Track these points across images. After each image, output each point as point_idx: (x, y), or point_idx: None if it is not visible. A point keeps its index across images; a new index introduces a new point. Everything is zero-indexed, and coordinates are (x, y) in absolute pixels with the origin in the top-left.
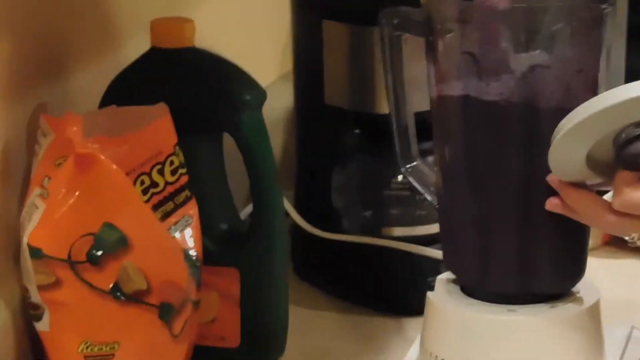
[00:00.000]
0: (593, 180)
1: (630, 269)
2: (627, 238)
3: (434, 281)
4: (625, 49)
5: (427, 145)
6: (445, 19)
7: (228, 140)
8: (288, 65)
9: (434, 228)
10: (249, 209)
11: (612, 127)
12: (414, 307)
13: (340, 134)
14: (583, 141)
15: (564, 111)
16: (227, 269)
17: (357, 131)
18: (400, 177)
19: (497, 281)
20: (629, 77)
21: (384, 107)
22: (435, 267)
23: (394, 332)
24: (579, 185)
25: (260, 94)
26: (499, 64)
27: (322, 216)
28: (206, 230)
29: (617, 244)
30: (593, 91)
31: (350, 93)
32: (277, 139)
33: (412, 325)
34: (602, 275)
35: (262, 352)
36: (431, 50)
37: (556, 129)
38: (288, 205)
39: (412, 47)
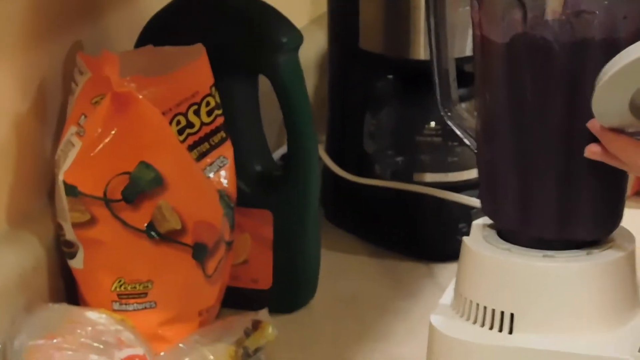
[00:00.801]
0: (635, 127)
1: None
2: None
3: (465, 227)
4: None
5: (463, 91)
6: None
7: (262, 82)
8: (320, 8)
9: (465, 174)
10: (281, 151)
11: None
12: (445, 253)
13: (374, 79)
14: (627, 86)
15: (608, 57)
16: (260, 211)
17: (390, 77)
18: (432, 124)
19: (536, 226)
20: None
21: (418, 52)
22: (466, 214)
23: (424, 277)
24: (620, 132)
25: (297, 37)
26: (545, 8)
27: (353, 161)
28: (240, 171)
29: None
30: (637, 37)
31: (385, 38)
32: (309, 83)
33: (443, 271)
34: (632, 225)
35: (293, 294)
36: None
37: (600, 73)
38: (320, 150)
39: None
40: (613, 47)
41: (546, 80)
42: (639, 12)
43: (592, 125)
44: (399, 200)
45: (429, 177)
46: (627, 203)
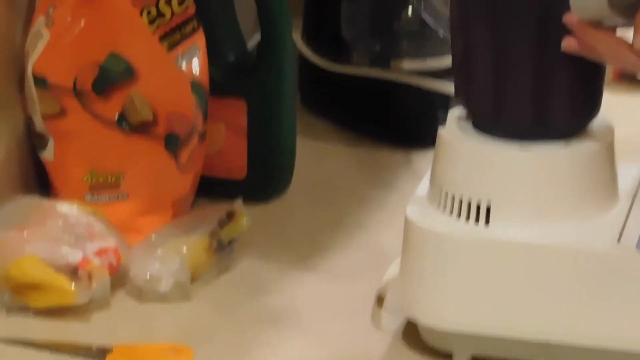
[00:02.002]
0: (612, 20)
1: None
2: None
3: (443, 114)
4: None
5: None
6: None
7: None
8: None
9: (444, 61)
10: (257, 38)
11: None
12: (423, 140)
13: None
14: None
15: None
16: (234, 99)
17: None
18: (410, 10)
19: (511, 115)
20: None
21: None
22: (444, 101)
23: (402, 164)
24: (597, 25)
25: None
26: None
27: (330, 48)
28: (213, 60)
29: (628, 80)
30: None
31: None
32: None
33: (421, 158)
34: (614, 111)
35: (268, 183)
36: None
37: None
38: (295, 36)
39: None
40: None
41: None
42: None
43: (569, 18)
44: (377, 87)
45: (408, 63)
46: (607, 89)
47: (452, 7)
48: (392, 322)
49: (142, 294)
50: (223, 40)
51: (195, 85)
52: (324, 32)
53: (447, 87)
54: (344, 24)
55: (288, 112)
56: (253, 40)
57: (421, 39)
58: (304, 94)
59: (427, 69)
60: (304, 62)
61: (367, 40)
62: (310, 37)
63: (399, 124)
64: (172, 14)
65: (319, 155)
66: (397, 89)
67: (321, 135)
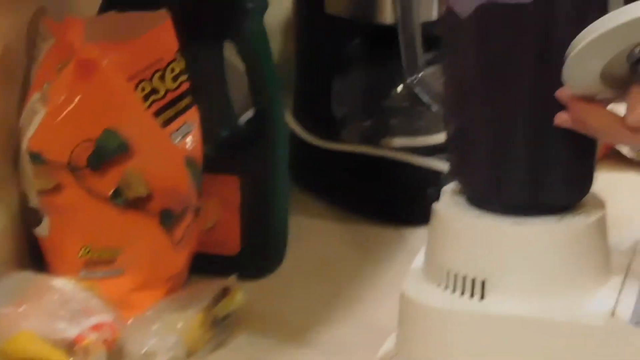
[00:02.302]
0: (605, 95)
1: (629, 183)
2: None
3: (435, 191)
4: None
5: (430, 55)
6: None
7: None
8: None
9: (433, 139)
10: (248, 115)
11: (628, 42)
12: (414, 217)
13: (341, 44)
14: (599, 56)
15: (576, 24)
16: (227, 175)
17: (357, 41)
18: (400, 88)
19: (506, 191)
20: None
21: (385, 16)
22: (434, 178)
23: (394, 242)
24: (590, 100)
25: (262, 2)
26: None
27: (321, 125)
28: (207, 137)
29: (615, 157)
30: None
31: (351, 2)
32: (275, 47)
33: (412, 235)
34: (602, 188)
35: (261, 259)
36: None
37: (573, 43)
38: (287, 114)
39: None
40: (582, 16)
41: (515, 48)
42: None
43: (562, 93)
44: (368, 164)
45: (398, 141)
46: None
47: (446, 84)
48: None
49: None
50: (216, 116)
51: (189, 161)
52: (315, 109)
53: (438, 163)
54: (334, 101)
55: (281, 189)
56: (245, 116)
57: (412, 117)
58: (295, 171)
59: (418, 145)
60: (295, 139)
61: (358, 117)
62: (301, 114)
63: (391, 200)
64: (166, 90)
65: (311, 232)
66: (388, 166)
67: (313, 212)
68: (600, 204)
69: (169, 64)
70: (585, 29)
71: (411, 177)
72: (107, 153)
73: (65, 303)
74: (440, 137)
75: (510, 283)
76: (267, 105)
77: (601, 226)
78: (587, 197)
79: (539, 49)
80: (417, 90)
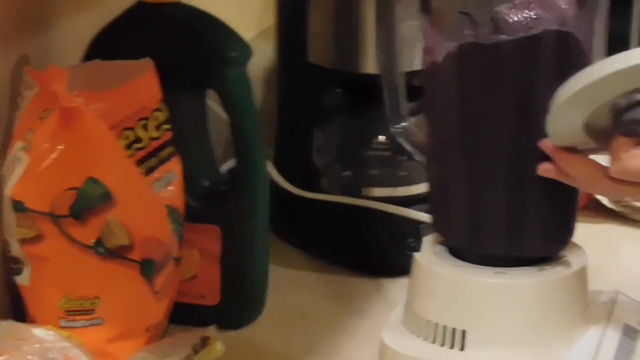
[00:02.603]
0: (588, 145)
1: (608, 233)
2: (617, 203)
3: (413, 242)
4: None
5: (413, 105)
6: None
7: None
8: (268, 21)
9: (414, 189)
10: (229, 164)
11: (612, 94)
12: (393, 268)
13: (323, 93)
14: (582, 108)
15: (560, 78)
16: (208, 226)
17: (339, 90)
18: (381, 138)
19: (487, 243)
20: (610, 42)
21: (367, 66)
22: (415, 229)
23: (373, 293)
24: (573, 150)
25: (246, 51)
26: (495, 23)
27: (302, 175)
28: (188, 186)
29: (594, 208)
30: (587, 58)
31: (334, 52)
32: (257, 96)
33: (391, 285)
34: (582, 238)
35: (241, 310)
36: (424, 9)
37: (554, 96)
38: (268, 164)
39: (405, 4)
40: (564, 66)
41: (496, 98)
42: (589, 29)
43: (545, 144)
44: (348, 214)
45: (378, 191)
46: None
47: (428, 133)
48: None
49: None
50: (198, 166)
51: (171, 211)
52: (296, 159)
53: (419, 214)
54: (315, 150)
55: (261, 240)
56: (226, 165)
57: (393, 166)
58: (274, 221)
59: (399, 195)
60: (275, 188)
61: (339, 167)
62: (281, 163)
63: (370, 251)
64: (149, 139)
65: (290, 283)
66: (368, 216)
67: (293, 263)
68: (581, 254)
69: (152, 112)
70: (569, 80)
71: (391, 227)
72: (89, 202)
73: (45, 352)
74: (421, 187)
75: (490, 334)
76: (248, 154)
77: (582, 277)
78: (568, 247)
79: (519, 96)
80: (400, 139)
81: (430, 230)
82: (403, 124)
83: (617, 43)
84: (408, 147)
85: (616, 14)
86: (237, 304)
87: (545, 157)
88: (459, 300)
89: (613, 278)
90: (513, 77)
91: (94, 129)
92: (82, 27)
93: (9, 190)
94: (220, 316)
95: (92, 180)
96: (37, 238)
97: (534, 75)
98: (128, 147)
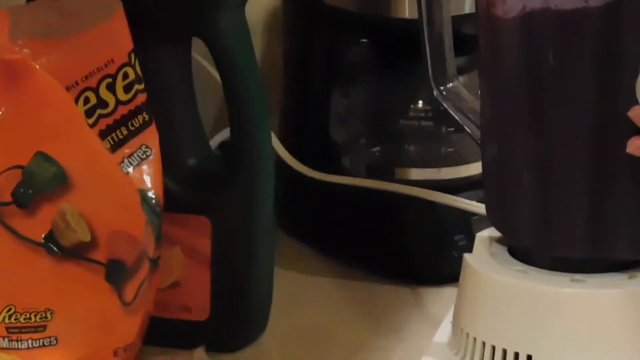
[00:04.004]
0: None
1: None
2: None
3: (463, 240)
4: None
5: (461, 61)
6: None
7: (196, 46)
8: None
9: (464, 170)
10: (220, 137)
11: None
12: (437, 274)
13: (344, 45)
14: None
15: None
16: (195, 217)
17: (365, 41)
18: (421, 103)
19: (561, 243)
20: None
21: (402, 9)
22: (464, 223)
23: (410, 306)
24: None
25: None
26: None
27: (316, 152)
28: (169, 166)
29: None
30: None
31: None
32: (258, 49)
33: (434, 297)
34: None
35: (237, 327)
36: None
37: None
38: (273, 138)
39: None
40: None
41: (575, 55)
42: None
43: (636, 114)
44: (376, 203)
45: (416, 173)
46: None
47: (484, 99)
48: None
49: None
50: (181, 139)
51: (145, 198)
52: (309, 131)
53: (469, 204)
54: (333, 122)
55: (264, 237)
56: (218, 137)
57: (436, 141)
58: (282, 211)
59: (443, 179)
60: (282, 169)
61: (364, 142)
62: (290, 136)
63: (406, 251)
64: (117, 102)
65: (300, 292)
66: (402, 206)
67: (303, 266)
68: None
69: (120, 68)
70: None
71: (433, 220)
72: (39, 185)
73: None
74: (473, 169)
75: (563, 359)
76: (247, 125)
77: None
78: None
79: (602, 58)
80: (446, 105)
81: (486, 224)
82: (450, 84)
83: None
84: (456, 116)
85: None
86: (233, 319)
87: (637, 132)
88: (523, 315)
89: None
90: (595, 35)
91: (45, 89)
92: None
93: None
94: (211, 335)
95: (43, 156)
96: None
97: (620, 29)
98: (89, 112)
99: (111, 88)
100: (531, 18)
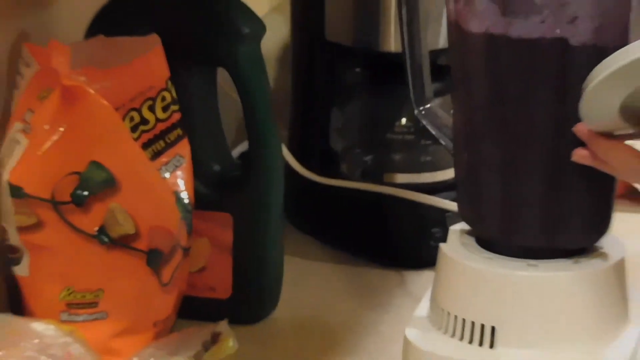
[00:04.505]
0: (625, 130)
1: None
2: None
3: (439, 232)
4: None
5: (438, 86)
6: None
7: (220, 74)
8: None
9: (440, 175)
10: (240, 148)
11: None
12: (418, 259)
13: (341, 73)
14: (618, 90)
15: (595, 58)
16: (219, 214)
17: (358, 70)
18: (404, 120)
19: (520, 234)
20: None
21: (389, 44)
22: (440, 218)
23: (396, 286)
24: (609, 136)
25: (259, 27)
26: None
27: (319, 160)
28: (198, 171)
29: (632, 197)
30: (624, 36)
31: (353, 28)
32: (270, 76)
33: (416, 279)
34: (618, 230)
35: (254, 304)
36: None
37: (588, 78)
38: (282, 148)
39: None
40: (599, 44)
41: (530, 77)
42: (624, 7)
43: (579, 129)
44: (368, 202)
45: (401, 177)
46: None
47: (456, 116)
48: None
49: None
50: (208, 150)
51: (179, 198)
52: (312, 142)
53: (445, 202)
54: (333, 133)
55: (276, 229)
56: (238, 148)
57: (417, 151)
58: (290, 208)
59: (424, 182)
60: (290, 174)
61: (359, 151)
62: (297, 147)
63: (393, 241)
64: (156, 120)
65: (307, 275)
66: (391, 204)
67: (310, 254)
68: (618, 247)
69: (159, 92)
70: (604, 61)
71: (415, 216)
72: (92, 187)
73: (45, 348)
74: (447, 174)
75: (521, 331)
76: (261, 138)
77: (619, 270)
78: (605, 239)
79: (555, 82)
80: (425, 122)
81: (458, 219)
82: (428, 105)
83: None
84: (433, 130)
85: None
86: (250, 297)
87: (582, 143)
88: (488, 294)
89: None
90: (548, 60)
91: (98, 109)
92: (85, 1)
93: (7, 175)
94: (232, 311)
95: (96, 165)
96: (37, 226)
97: (570, 56)
98: (134, 129)
99: (151, 109)
100: (492, 39)
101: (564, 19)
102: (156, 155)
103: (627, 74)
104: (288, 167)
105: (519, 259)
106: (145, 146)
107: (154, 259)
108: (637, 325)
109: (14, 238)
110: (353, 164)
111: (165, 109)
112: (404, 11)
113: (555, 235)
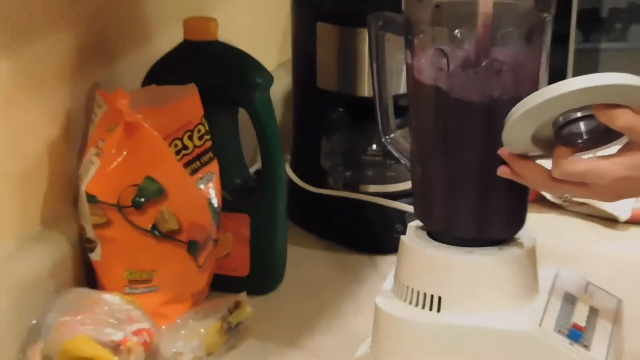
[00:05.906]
0: (536, 152)
1: (552, 221)
2: (558, 198)
3: (400, 227)
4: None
5: (399, 121)
6: (420, 21)
7: (240, 113)
8: (286, 55)
9: (401, 186)
10: (256, 166)
11: (553, 112)
12: (384, 247)
13: (329, 112)
14: (530, 124)
15: (514, 100)
16: (239, 214)
17: (342, 109)
18: (374, 146)
19: (458, 227)
20: (551, 73)
21: (365, 90)
22: (401, 217)
23: (369, 267)
24: (524, 157)
25: (269, 78)
26: (463, 58)
27: (312, 175)
28: (224, 183)
29: (540, 202)
30: (535, 85)
31: (338, 79)
32: (277, 114)
33: (383, 261)
34: (531, 225)
35: (266, 280)
36: (409, 46)
37: (509, 115)
38: (286, 166)
39: (393, 43)
40: (517, 93)
41: (465, 117)
42: (537, 64)
43: (502, 152)
44: (348, 206)
45: (372, 187)
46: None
47: (412, 143)
48: None
49: None
50: (232, 168)
51: (211, 203)
52: (308, 162)
53: (403, 206)
54: (322, 156)
55: (281, 226)
56: (254, 167)
57: (384, 168)
58: (292, 211)
59: (389, 191)
60: (292, 185)
61: (341, 169)
62: (297, 166)
63: (366, 234)
64: (194, 146)
65: (304, 259)
66: (365, 207)
67: (306, 243)
68: (531, 238)
69: (196, 126)
70: (519, 103)
71: (383, 216)
72: (147, 196)
73: (113, 313)
74: (406, 184)
75: (460, 299)
76: (271, 159)
77: (532, 255)
78: (521, 232)
79: (484, 122)
80: (390, 147)
81: (414, 218)
82: (392, 135)
83: (556, 73)
84: (396, 153)
85: (556, 50)
86: (263, 275)
87: (504, 162)
88: (436, 272)
89: (556, 256)
90: (478, 105)
91: (151, 139)
92: (141, 59)
93: (84, 187)
94: (249, 285)
95: (150, 179)
96: (107, 224)
97: (494, 101)
98: (177, 153)
99: (190, 138)
100: (438, 91)
101: (493, 70)
102: (194, 172)
103: (536, 112)
104: (290, 181)
105: (459, 247)
106: (186, 165)
107: (193, 247)
108: (544, 294)
109: (90, 233)
110: (337, 178)
111: (200, 138)
112: (374, 66)
113: (485, 229)
